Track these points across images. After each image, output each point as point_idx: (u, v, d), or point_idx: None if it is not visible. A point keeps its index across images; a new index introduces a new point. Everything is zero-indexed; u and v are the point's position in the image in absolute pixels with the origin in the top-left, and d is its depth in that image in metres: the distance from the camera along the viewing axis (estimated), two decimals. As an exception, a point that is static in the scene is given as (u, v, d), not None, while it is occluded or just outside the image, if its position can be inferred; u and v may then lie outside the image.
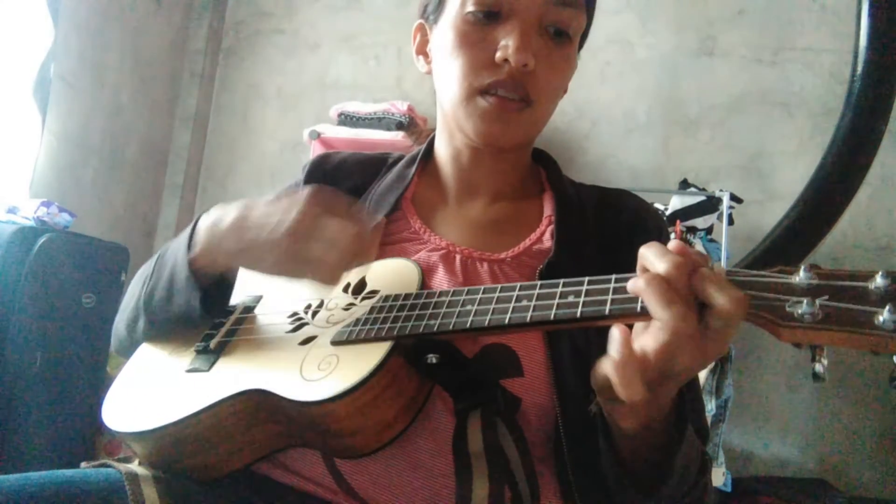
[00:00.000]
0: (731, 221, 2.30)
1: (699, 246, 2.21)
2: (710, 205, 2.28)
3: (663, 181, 2.63)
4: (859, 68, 2.15)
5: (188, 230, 0.69)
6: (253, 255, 0.62)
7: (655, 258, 0.47)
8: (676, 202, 2.33)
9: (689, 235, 2.23)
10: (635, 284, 0.47)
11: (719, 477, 1.98)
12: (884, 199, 2.51)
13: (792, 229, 2.22)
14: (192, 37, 3.16)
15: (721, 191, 2.28)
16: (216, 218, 0.66)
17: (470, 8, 0.71)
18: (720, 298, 0.44)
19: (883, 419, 2.40)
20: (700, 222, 2.28)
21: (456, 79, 0.72)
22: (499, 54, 0.69)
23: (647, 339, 0.46)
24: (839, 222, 2.23)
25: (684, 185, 2.41)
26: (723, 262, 2.20)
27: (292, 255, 0.60)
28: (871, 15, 2.11)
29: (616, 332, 0.48)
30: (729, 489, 2.03)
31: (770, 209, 2.47)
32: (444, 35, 0.74)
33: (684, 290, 0.45)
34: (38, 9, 2.27)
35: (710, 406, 2.03)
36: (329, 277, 0.60)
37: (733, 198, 2.29)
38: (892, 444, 2.39)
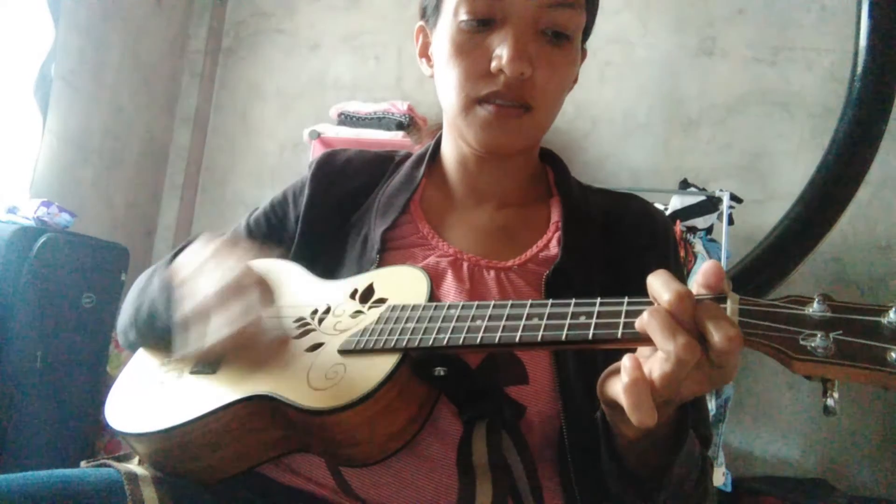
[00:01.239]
0: (731, 221, 2.30)
1: (699, 246, 2.20)
2: (710, 205, 2.28)
3: (663, 181, 2.63)
4: (859, 68, 2.14)
5: (170, 255, 0.72)
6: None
7: (661, 289, 0.47)
8: (676, 202, 2.33)
9: (689, 235, 2.23)
10: (640, 320, 0.47)
11: (719, 477, 1.98)
12: (884, 199, 2.51)
13: (792, 229, 2.21)
14: (192, 37, 3.16)
15: (721, 191, 2.28)
16: (184, 264, 0.67)
17: (463, 17, 0.69)
18: (715, 335, 0.44)
19: (883, 419, 2.40)
20: (700, 222, 2.28)
21: (453, 89, 0.71)
22: (493, 64, 0.68)
23: (654, 366, 0.46)
24: (839, 222, 2.23)
25: (684, 184, 2.41)
26: (723, 262, 2.20)
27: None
28: (871, 15, 2.11)
29: (627, 360, 0.48)
30: (729, 489, 2.03)
31: (770, 209, 2.46)
32: (440, 42, 0.73)
33: (688, 321, 0.45)
34: (38, 9, 2.27)
35: (711, 406, 2.02)
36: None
37: (733, 198, 2.29)
38: (892, 444, 2.39)
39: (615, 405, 0.52)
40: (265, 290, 0.62)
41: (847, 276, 2.51)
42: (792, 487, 2.23)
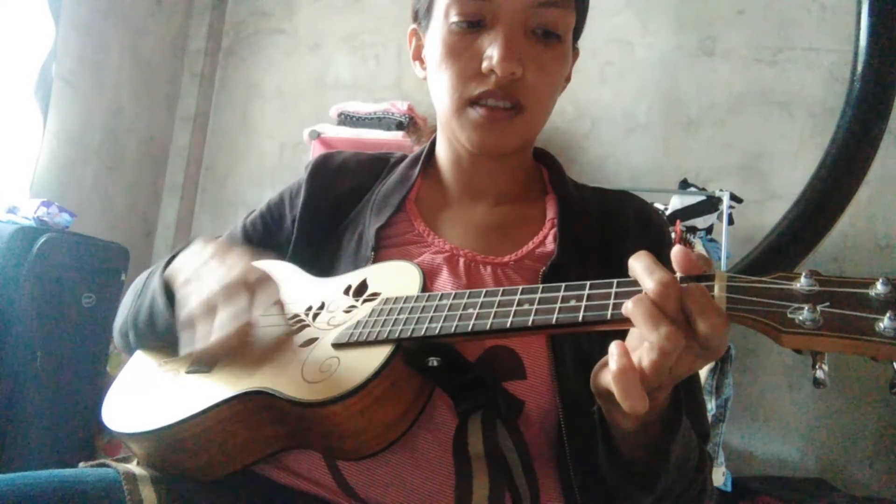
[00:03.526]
0: (731, 221, 2.30)
1: (699, 246, 2.20)
2: (710, 205, 2.28)
3: (663, 181, 2.62)
4: (859, 68, 2.14)
5: (166, 259, 0.72)
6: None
7: (644, 275, 0.47)
8: (676, 202, 2.33)
9: (689, 235, 2.23)
10: (625, 308, 0.47)
11: (719, 477, 1.98)
12: (884, 199, 2.50)
13: (792, 229, 2.22)
14: (192, 37, 3.16)
15: (721, 191, 2.28)
16: (184, 263, 0.68)
17: (454, 18, 0.70)
18: (701, 325, 0.44)
19: (882, 419, 2.40)
20: (700, 222, 2.28)
21: (446, 90, 0.72)
22: (485, 65, 0.69)
23: (642, 354, 0.46)
24: (839, 222, 2.23)
25: (684, 184, 2.41)
26: (722, 262, 2.20)
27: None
28: (871, 15, 2.11)
29: (614, 346, 0.48)
30: (729, 489, 2.03)
31: (770, 209, 2.47)
32: (432, 45, 0.74)
33: (672, 309, 0.45)
34: (39, 9, 2.27)
35: (710, 406, 2.02)
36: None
37: (733, 198, 2.29)
38: (891, 443, 2.39)
39: (608, 395, 0.52)
40: (270, 284, 0.62)
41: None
42: (791, 487, 2.23)
